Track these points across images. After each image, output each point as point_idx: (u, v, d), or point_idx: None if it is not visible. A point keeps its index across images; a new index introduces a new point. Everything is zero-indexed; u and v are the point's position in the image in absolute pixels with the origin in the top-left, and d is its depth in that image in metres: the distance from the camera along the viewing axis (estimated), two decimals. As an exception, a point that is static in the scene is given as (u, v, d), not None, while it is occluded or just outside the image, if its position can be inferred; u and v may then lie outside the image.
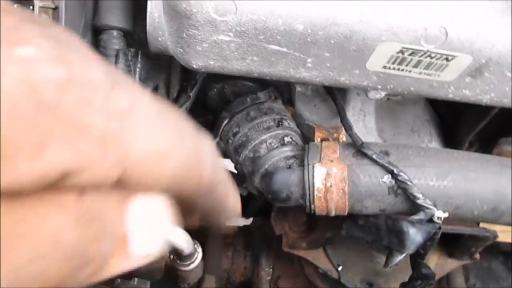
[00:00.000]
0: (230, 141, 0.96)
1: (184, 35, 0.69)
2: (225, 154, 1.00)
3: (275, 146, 0.93)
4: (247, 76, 0.75)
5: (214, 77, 1.02)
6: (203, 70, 0.74)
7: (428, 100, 1.21)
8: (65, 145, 0.23)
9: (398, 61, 0.70)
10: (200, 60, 0.72)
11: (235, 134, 0.95)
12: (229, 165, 1.02)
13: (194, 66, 0.73)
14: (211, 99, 1.04)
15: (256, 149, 0.93)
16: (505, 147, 1.22)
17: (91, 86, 0.24)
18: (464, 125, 1.18)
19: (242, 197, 1.29)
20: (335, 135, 0.96)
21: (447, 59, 0.69)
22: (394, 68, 0.71)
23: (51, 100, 0.22)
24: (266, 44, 0.68)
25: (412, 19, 0.65)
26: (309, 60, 0.70)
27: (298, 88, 1.19)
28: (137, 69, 0.80)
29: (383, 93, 0.77)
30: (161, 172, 0.28)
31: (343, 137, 0.96)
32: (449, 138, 1.22)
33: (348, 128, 0.91)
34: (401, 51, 0.68)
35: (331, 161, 0.89)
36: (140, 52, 0.80)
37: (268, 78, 0.75)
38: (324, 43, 0.67)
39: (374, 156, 0.87)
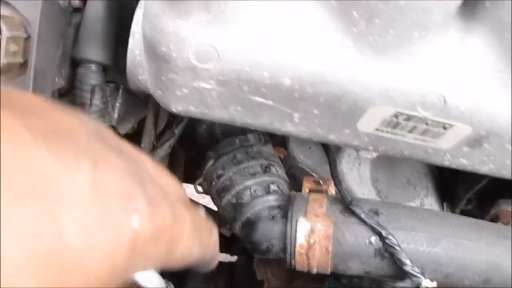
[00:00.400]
0: (213, 183, 0.89)
1: (163, 78, 0.63)
2: (208, 194, 0.93)
3: (260, 194, 0.86)
4: (232, 125, 0.69)
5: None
6: (183, 115, 0.68)
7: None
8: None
9: (391, 125, 0.63)
10: (180, 104, 0.66)
11: (219, 177, 0.88)
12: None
13: (174, 110, 0.67)
14: (200, 135, 0.97)
15: (240, 195, 0.86)
16: (504, 207, 1.14)
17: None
18: (462, 182, 1.11)
19: (224, 236, 1.23)
20: (324, 186, 0.89)
21: (444, 127, 0.62)
22: (387, 132, 0.64)
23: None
24: (250, 95, 0.62)
25: (409, 83, 0.59)
26: (296, 115, 0.64)
27: (294, 129, 1.13)
28: (117, 105, 0.74)
29: (374, 154, 0.71)
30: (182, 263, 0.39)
31: (333, 189, 0.89)
32: (446, 193, 1.15)
33: (337, 183, 0.84)
34: (395, 116, 0.61)
35: (317, 216, 0.82)
36: (121, 86, 0.74)
37: (251, 128, 0.68)
38: (312, 100, 0.61)
39: (362, 215, 0.81)
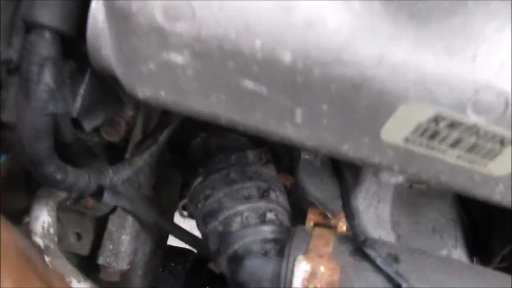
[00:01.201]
0: (199, 205, 0.70)
1: (124, 46, 0.45)
2: (193, 218, 0.74)
3: (252, 222, 0.66)
4: (215, 123, 0.50)
5: (200, 124, 0.77)
6: (152, 103, 0.50)
7: (458, 195, 0.94)
8: None
9: (428, 134, 0.44)
10: (147, 87, 0.48)
11: (206, 198, 0.69)
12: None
13: (140, 95, 0.49)
14: (193, 150, 0.79)
15: (228, 222, 0.67)
16: (544, 267, 0.92)
17: None
18: (498, 236, 0.89)
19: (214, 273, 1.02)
20: (333, 221, 0.69)
21: (501, 143, 0.43)
22: (421, 144, 0.45)
23: None
24: (237, 77, 0.44)
25: (460, 71, 0.40)
26: (299, 112, 0.45)
27: (305, 156, 0.94)
28: (81, 91, 0.57)
29: (400, 178, 0.51)
30: None
31: (343, 226, 0.69)
32: (478, 245, 0.93)
33: (350, 216, 0.64)
34: (435, 120, 0.42)
35: (320, 256, 0.62)
36: (88, 69, 0.57)
37: (241, 129, 0.49)
38: (320, 88, 0.42)
39: (378, 261, 0.60)
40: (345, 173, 0.69)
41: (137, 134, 0.83)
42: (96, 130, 0.86)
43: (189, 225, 0.83)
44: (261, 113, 0.46)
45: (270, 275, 0.63)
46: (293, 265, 0.61)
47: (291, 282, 0.61)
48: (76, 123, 0.83)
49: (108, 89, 0.60)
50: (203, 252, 0.91)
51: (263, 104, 0.45)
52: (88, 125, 0.61)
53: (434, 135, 0.43)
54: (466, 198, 0.99)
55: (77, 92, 0.56)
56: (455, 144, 0.43)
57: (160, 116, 0.74)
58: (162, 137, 0.69)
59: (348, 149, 0.47)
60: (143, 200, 0.79)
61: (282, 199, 0.71)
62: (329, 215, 0.69)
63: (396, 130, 0.44)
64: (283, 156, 0.81)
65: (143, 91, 0.48)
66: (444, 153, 0.45)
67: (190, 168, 0.78)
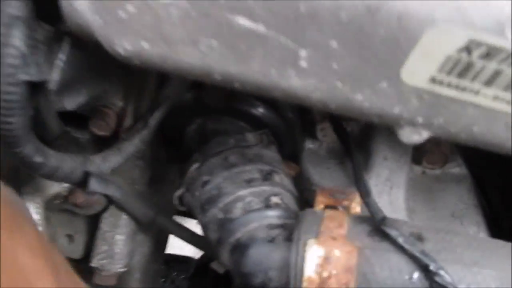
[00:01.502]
0: (197, 194, 0.62)
1: (97, -14, 0.38)
2: (190, 210, 0.66)
3: (256, 207, 0.58)
4: (209, 80, 0.43)
5: (194, 109, 0.70)
6: (136, 61, 0.42)
7: (478, 182, 0.86)
8: None
9: (459, 69, 0.36)
10: (127, 39, 0.40)
11: (204, 184, 0.61)
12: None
13: (120, 51, 0.41)
14: (188, 137, 0.71)
15: (229, 208, 0.59)
16: None
17: None
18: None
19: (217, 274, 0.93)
20: (345, 202, 0.61)
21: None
22: (449, 85, 0.37)
23: None
24: (229, 13, 0.37)
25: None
26: (304, 53, 0.38)
27: (309, 145, 0.86)
28: (59, 62, 0.49)
29: (425, 134, 0.43)
30: None
31: (357, 207, 0.61)
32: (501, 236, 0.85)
33: (365, 193, 0.56)
34: (468, 48, 0.35)
35: (334, 239, 0.54)
36: (67, 37, 0.50)
37: (238, 86, 0.42)
38: (328, 18, 0.35)
39: (400, 240, 0.52)
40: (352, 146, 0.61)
41: (129, 115, 0.75)
42: (85, 124, 0.79)
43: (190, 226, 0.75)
44: (260, 60, 0.39)
45: (278, 263, 0.55)
46: (304, 250, 0.53)
47: (302, 269, 0.52)
48: (63, 117, 0.76)
49: (90, 62, 0.53)
50: (206, 251, 0.83)
51: (261, 48, 0.38)
52: (69, 103, 0.53)
53: (466, 70, 0.36)
54: (485, 185, 0.91)
55: (54, 62, 0.49)
56: (491, 80, 0.36)
57: (156, 96, 0.67)
58: (153, 120, 0.62)
59: (362, 100, 0.40)
60: (138, 196, 0.71)
61: (287, 182, 0.63)
62: (340, 195, 0.61)
63: (419, 68, 0.36)
64: (285, 142, 0.73)
65: (123, 45, 0.40)
66: (477, 94, 0.37)
67: (186, 159, 0.70)
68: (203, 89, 0.67)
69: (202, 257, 0.98)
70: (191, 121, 0.71)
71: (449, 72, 0.36)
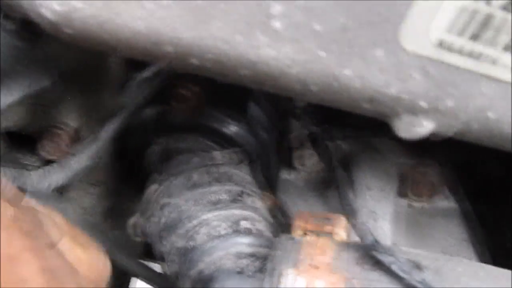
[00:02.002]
0: (154, 219, 0.51)
1: None
2: (145, 238, 0.54)
3: (223, 233, 0.47)
4: (158, 53, 0.33)
5: (156, 127, 0.60)
6: (69, 31, 0.33)
7: (466, 212, 0.76)
8: None
9: (475, 25, 0.27)
10: (55, -3, 0.31)
11: (163, 207, 0.50)
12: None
13: (47, 14, 0.32)
14: (149, 159, 0.61)
15: (191, 234, 0.47)
16: None
17: None
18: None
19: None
20: (327, 227, 0.51)
21: None
22: (461, 50, 0.28)
23: None
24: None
25: None
26: (277, 9, 0.29)
27: (285, 175, 0.76)
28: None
29: (429, 126, 0.34)
30: None
31: (342, 233, 0.50)
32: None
33: (351, 214, 0.46)
34: (488, -7, 0.26)
35: (316, 268, 0.43)
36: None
37: (194, 61, 0.32)
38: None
39: (395, 268, 0.41)
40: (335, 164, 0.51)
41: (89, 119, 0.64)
42: (31, 147, 0.68)
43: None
44: (221, 21, 0.29)
45: (249, 299, 0.43)
46: (280, 282, 0.42)
47: (278, 305, 0.41)
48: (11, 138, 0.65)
49: (24, 51, 0.43)
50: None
51: (223, 4, 0.29)
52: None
53: (483, 27, 0.27)
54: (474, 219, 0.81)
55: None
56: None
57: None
58: (105, 133, 0.51)
59: (351, 76, 0.30)
60: (87, 226, 0.59)
61: (261, 206, 0.52)
62: (322, 220, 0.51)
63: (423, 27, 0.27)
64: (258, 167, 0.63)
65: (51, 6, 0.31)
66: (495, 64, 0.28)
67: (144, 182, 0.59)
68: (166, 103, 0.57)
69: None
70: (152, 142, 0.60)
71: (462, 32, 0.27)
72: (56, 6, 0.30)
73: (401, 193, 0.73)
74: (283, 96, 0.66)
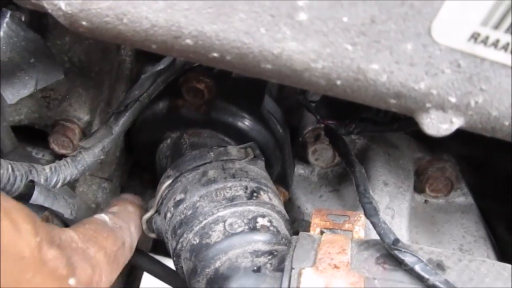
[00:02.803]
0: (168, 215, 0.50)
1: None
2: (159, 237, 0.54)
3: (239, 230, 0.46)
4: (176, 47, 0.32)
5: (169, 121, 0.59)
6: (85, 24, 0.32)
7: (483, 215, 0.75)
8: None
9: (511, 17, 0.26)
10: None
11: (178, 204, 0.49)
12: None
13: (63, 7, 0.31)
14: (162, 154, 0.60)
15: (206, 231, 0.47)
16: None
17: None
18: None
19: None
20: (346, 225, 0.50)
21: None
22: (497, 43, 0.27)
23: None
24: None
25: None
26: (303, 0, 0.28)
27: (300, 170, 0.75)
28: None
29: (457, 123, 0.33)
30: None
31: (360, 230, 0.49)
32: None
33: (371, 211, 0.45)
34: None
35: (336, 267, 0.42)
36: (6, 10, 0.39)
37: (216, 55, 0.31)
38: None
39: (418, 268, 0.41)
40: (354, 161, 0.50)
41: (101, 111, 0.63)
42: (44, 141, 0.67)
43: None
44: (244, 14, 0.28)
45: (266, 298, 0.42)
46: (299, 282, 0.41)
47: (296, 305, 0.40)
48: (18, 133, 0.65)
49: (38, 44, 0.42)
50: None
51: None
52: (11, 95, 0.42)
53: (522, 19, 0.26)
54: (490, 216, 0.80)
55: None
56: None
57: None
58: (118, 127, 0.50)
59: (379, 70, 0.29)
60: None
61: (277, 203, 0.51)
62: (340, 218, 0.50)
63: (457, 21, 0.26)
64: (274, 161, 0.62)
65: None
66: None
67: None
68: (179, 97, 0.56)
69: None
70: (165, 136, 0.59)
71: (498, 24, 0.26)
72: (62, 5, 0.29)
73: (418, 189, 0.72)
74: (298, 90, 0.65)
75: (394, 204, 0.66)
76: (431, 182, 0.71)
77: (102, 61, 0.61)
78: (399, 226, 0.66)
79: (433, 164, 0.71)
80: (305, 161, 0.72)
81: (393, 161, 0.70)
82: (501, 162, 0.73)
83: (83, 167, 0.48)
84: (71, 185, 0.62)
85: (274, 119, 0.60)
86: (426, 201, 0.74)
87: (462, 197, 0.74)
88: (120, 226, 0.50)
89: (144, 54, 0.62)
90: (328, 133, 0.58)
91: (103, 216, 0.50)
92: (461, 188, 0.74)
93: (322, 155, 0.70)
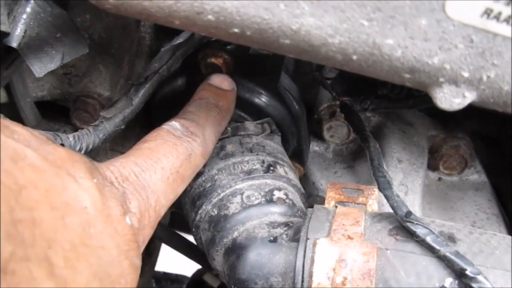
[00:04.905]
0: (188, 188, 0.52)
1: None
2: (179, 209, 0.56)
3: (256, 202, 0.48)
4: (199, 23, 0.34)
5: (188, 97, 0.61)
6: (111, 0, 0.33)
7: (496, 192, 0.76)
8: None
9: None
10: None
11: (197, 177, 0.51)
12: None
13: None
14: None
15: (224, 203, 0.49)
16: None
17: None
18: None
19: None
20: (360, 199, 0.51)
21: None
22: (508, 21, 0.28)
23: None
24: None
25: None
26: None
27: (315, 147, 0.76)
28: (23, 15, 0.40)
29: (470, 97, 0.34)
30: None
31: (374, 203, 0.51)
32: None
33: (384, 185, 0.46)
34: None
35: (349, 238, 0.44)
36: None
37: (237, 31, 0.33)
38: None
39: (429, 239, 0.42)
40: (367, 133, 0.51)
41: (122, 85, 0.65)
42: (66, 116, 0.69)
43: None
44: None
45: (281, 266, 0.44)
46: (313, 251, 0.43)
47: (311, 274, 0.42)
48: (42, 108, 0.67)
49: (64, 19, 0.43)
50: (201, 264, 0.72)
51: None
52: (39, 69, 0.44)
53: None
54: (503, 193, 0.81)
55: (17, 14, 0.40)
56: None
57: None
58: (138, 98, 0.52)
59: (393, 45, 0.30)
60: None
61: (293, 176, 0.53)
62: (354, 191, 0.51)
63: (472, -5, 0.27)
64: (290, 137, 0.64)
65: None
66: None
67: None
68: (197, 74, 0.58)
69: (195, 273, 0.88)
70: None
71: (510, 0, 0.27)
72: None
73: (432, 167, 0.73)
74: (314, 67, 0.66)
75: (408, 181, 0.68)
76: (445, 159, 0.72)
77: (122, 38, 0.63)
78: (412, 202, 0.67)
79: (447, 142, 0.72)
80: (320, 137, 0.73)
81: (407, 138, 0.71)
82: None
83: (104, 136, 0.50)
84: (92, 158, 0.64)
85: (290, 96, 0.61)
86: (440, 179, 0.75)
87: (475, 175, 0.75)
88: (191, 133, 0.46)
89: (163, 32, 0.63)
90: (343, 109, 0.60)
91: (171, 123, 0.47)
92: (475, 166, 0.75)
93: (337, 132, 0.71)
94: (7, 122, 0.31)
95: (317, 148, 0.75)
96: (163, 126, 0.46)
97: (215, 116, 0.49)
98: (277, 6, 0.30)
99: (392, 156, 0.68)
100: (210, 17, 0.31)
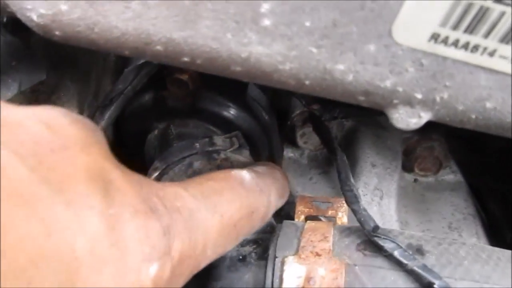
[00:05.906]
0: (157, 207, 0.52)
1: None
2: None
3: (225, 220, 0.48)
4: (147, 54, 0.33)
5: (155, 113, 0.60)
6: (58, 33, 0.32)
7: (473, 191, 0.76)
8: None
9: (469, 18, 0.27)
10: (41, 1, 0.31)
11: (165, 196, 0.51)
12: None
13: (34, 17, 0.32)
14: (150, 146, 0.61)
15: (193, 222, 0.49)
16: None
17: None
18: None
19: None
20: (330, 211, 0.51)
21: None
22: (456, 43, 0.28)
23: None
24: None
25: None
26: (266, 5, 0.28)
27: (290, 154, 0.76)
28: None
29: (425, 117, 0.34)
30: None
31: (343, 216, 0.51)
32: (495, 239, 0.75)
33: (352, 199, 0.46)
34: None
35: (318, 255, 0.44)
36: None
37: (187, 60, 0.32)
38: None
39: (397, 253, 0.42)
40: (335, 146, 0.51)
41: (89, 105, 0.65)
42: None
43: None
44: (210, 20, 0.29)
45: (251, 286, 0.44)
46: (282, 270, 0.43)
47: (280, 292, 0.42)
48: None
49: (17, 47, 0.43)
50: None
51: (210, 3, 0.28)
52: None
53: (479, 21, 0.26)
54: (482, 193, 0.81)
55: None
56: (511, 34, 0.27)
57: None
58: (103, 121, 0.51)
59: (344, 70, 0.30)
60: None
61: (263, 191, 0.52)
62: (323, 204, 0.51)
63: (417, 22, 0.27)
64: (261, 148, 0.63)
65: (37, 9, 0.30)
66: (492, 56, 0.28)
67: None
68: (164, 88, 0.57)
69: None
70: (153, 127, 0.60)
71: (456, 25, 0.27)
72: (43, 10, 0.30)
73: (407, 169, 0.74)
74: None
75: (383, 185, 0.68)
76: (419, 161, 0.72)
77: (89, 52, 0.62)
78: (388, 206, 0.67)
79: (421, 144, 0.72)
80: (294, 144, 0.73)
81: (381, 142, 0.71)
82: (491, 137, 0.74)
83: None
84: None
85: (259, 106, 0.60)
86: (415, 180, 0.75)
87: (451, 175, 0.76)
88: (261, 190, 0.40)
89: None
90: (311, 120, 0.59)
91: (242, 173, 0.40)
92: (450, 166, 0.75)
93: (310, 138, 0.71)
94: None
95: (291, 155, 0.75)
96: (233, 172, 0.39)
97: (278, 188, 0.43)
98: (224, 35, 0.29)
99: (366, 161, 0.68)
100: (158, 47, 0.31)
